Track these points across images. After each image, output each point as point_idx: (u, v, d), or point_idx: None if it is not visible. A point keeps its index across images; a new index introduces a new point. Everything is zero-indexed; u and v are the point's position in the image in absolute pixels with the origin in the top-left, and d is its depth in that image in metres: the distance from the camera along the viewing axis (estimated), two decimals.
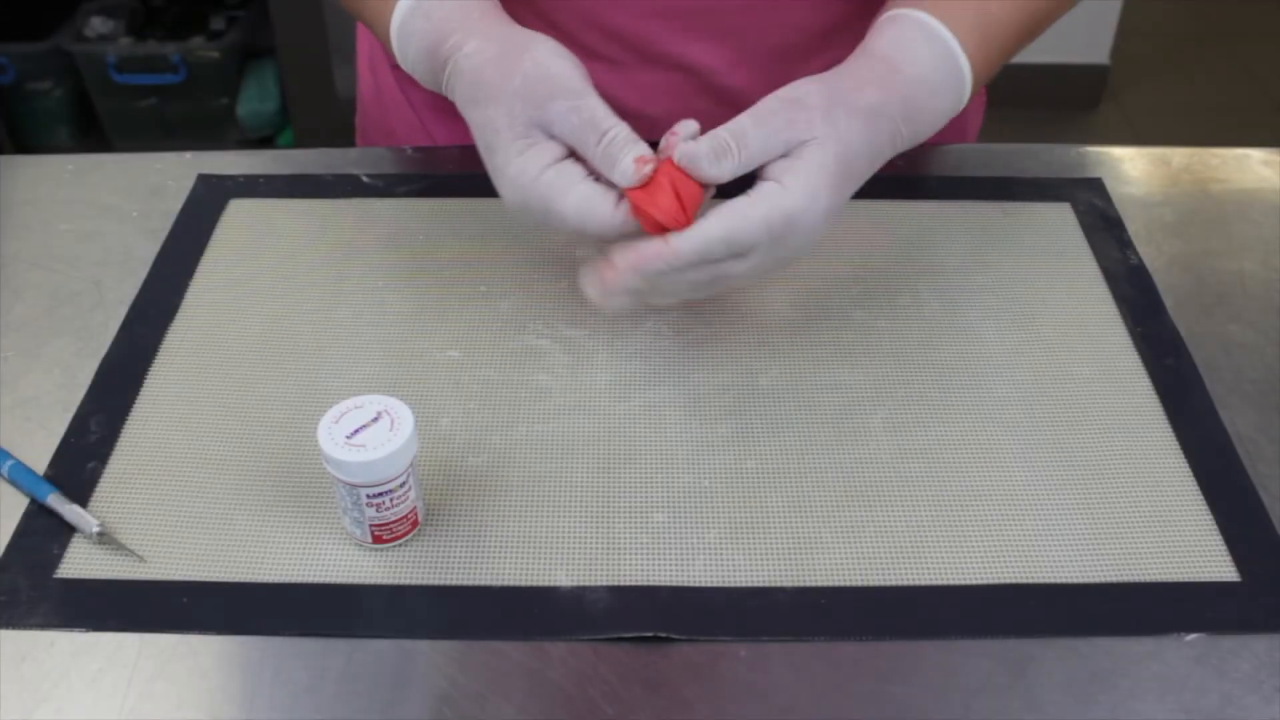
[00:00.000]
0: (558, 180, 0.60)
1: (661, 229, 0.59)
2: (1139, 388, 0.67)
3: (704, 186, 0.60)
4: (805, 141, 0.59)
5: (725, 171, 0.59)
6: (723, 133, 0.59)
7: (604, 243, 0.61)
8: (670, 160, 0.59)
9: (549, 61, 0.61)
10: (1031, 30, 0.70)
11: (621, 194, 0.60)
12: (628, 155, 0.59)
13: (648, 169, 0.59)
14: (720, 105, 0.81)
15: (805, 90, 0.61)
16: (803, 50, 0.79)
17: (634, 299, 0.61)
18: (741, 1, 0.75)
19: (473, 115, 0.62)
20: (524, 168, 0.60)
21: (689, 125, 0.60)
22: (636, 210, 0.59)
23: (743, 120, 0.59)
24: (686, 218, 0.59)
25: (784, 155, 0.59)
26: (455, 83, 0.63)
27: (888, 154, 0.63)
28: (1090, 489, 0.61)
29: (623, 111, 0.81)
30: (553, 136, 0.60)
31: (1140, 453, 0.63)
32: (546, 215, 0.60)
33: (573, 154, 0.61)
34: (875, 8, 0.68)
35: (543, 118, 0.60)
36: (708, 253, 0.58)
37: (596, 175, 0.61)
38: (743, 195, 0.59)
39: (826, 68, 0.63)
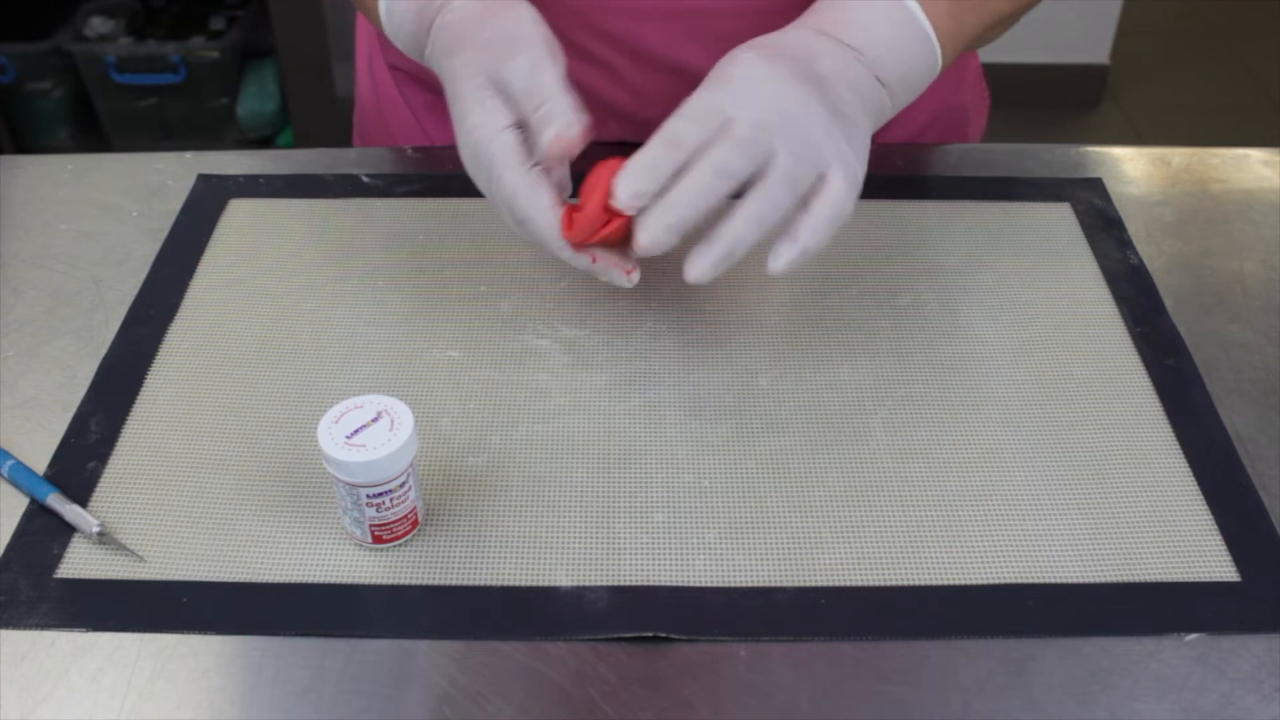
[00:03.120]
0: (515, 152, 0.59)
1: (602, 226, 0.59)
2: (1139, 388, 0.67)
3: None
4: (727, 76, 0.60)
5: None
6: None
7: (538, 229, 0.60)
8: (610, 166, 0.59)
9: (524, 23, 0.61)
10: (1012, 9, 0.70)
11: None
12: (551, 129, 0.58)
13: (560, 149, 0.58)
14: None
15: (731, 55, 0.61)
16: None
17: (673, 228, 0.58)
18: (734, 5, 0.75)
19: (444, 65, 0.63)
20: (484, 120, 0.60)
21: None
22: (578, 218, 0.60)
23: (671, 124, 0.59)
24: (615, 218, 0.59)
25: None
26: (436, 37, 0.64)
27: (835, 55, 0.61)
28: (1090, 489, 0.61)
29: (616, 112, 0.82)
30: (509, 97, 0.60)
31: (1140, 452, 0.63)
32: (489, 179, 0.60)
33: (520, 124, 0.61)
34: None
35: (500, 74, 0.60)
36: (675, 134, 0.57)
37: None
38: (805, 213, 0.59)
39: None
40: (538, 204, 0.59)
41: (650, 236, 0.57)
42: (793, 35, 0.63)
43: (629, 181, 0.57)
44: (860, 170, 0.60)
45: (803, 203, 0.58)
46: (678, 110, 0.59)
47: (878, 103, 0.63)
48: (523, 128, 0.60)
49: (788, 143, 0.57)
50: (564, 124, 0.58)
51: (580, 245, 0.61)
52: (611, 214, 0.59)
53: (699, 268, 0.58)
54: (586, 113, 0.59)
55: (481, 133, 0.60)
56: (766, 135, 0.57)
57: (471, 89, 0.60)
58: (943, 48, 0.65)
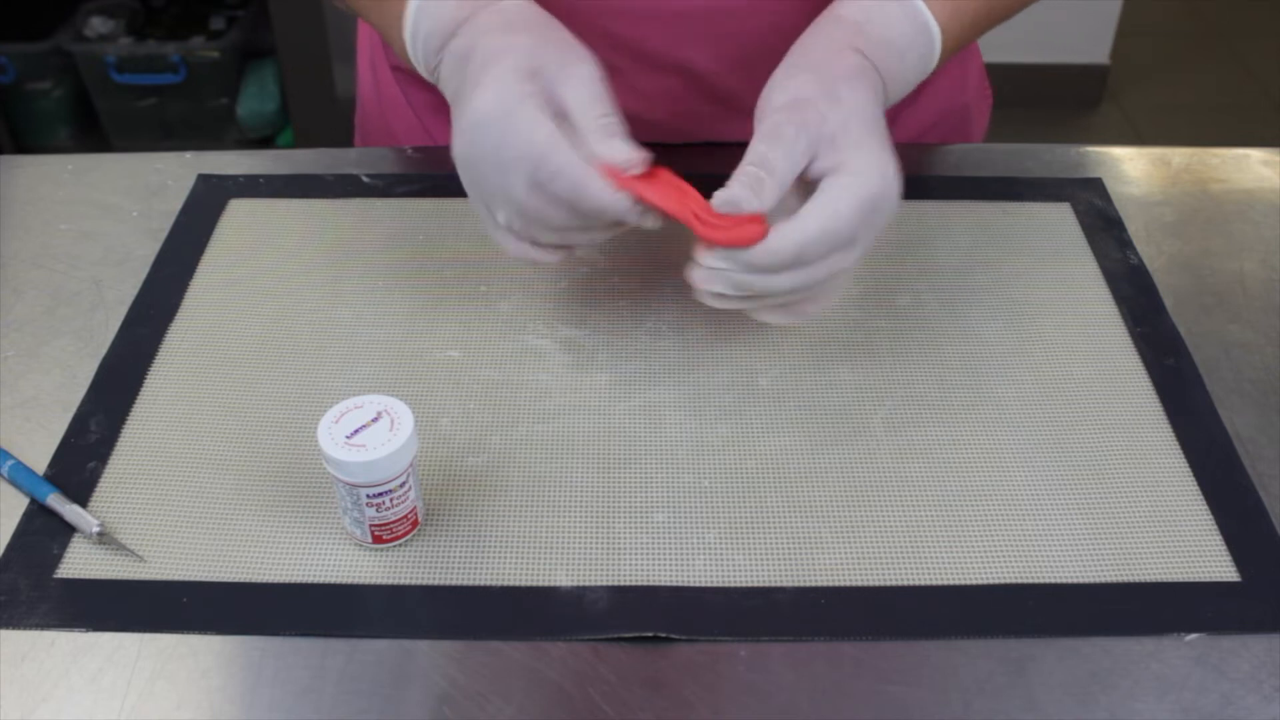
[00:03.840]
0: (541, 111, 0.58)
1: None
2: (1139, 388, 0.67)
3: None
4: (825, 135, 0.58)
5: (768, 199, 0.57)
6: (746, 167, 0.58)
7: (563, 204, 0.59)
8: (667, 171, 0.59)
9: (586, 50, 0.62)
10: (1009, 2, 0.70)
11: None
12: (622, 143, 0.58)
13: (639, 155, 0.58)
14: (719, 108, 0.81)
15: (796, 87, 0.60)
16: None
17: (737, 302, 0.60)
18: (739, 5, 0.75)
19: (493, 40, 0.60)
20: (513, 86, 0.58)
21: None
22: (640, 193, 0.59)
23: (759, 148, 0.58)
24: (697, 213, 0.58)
25: (815, 157, 0.59)
26: (486, 19, 0.62)
27: (881, 110, 0.62)
28: (1090, 489, 0.61)
29: (623, 114, 0.81)
30: (554, 93, 0.59)
31: (1140, 452, 0.63)
32: (502, 138, 0.58)
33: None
34: None
35: (561, 70, 0.59)
36: (806, 251, 0.57)
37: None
38: (819, 193, 0.58)
39: None
40: (602, 189, 0.58)
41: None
42: (864, 59, 0.62)
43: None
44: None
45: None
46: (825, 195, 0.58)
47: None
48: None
49: (864, 246, 0.60)
50: (633, 148, 0.59)
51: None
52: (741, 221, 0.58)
53: (703, 287, 0.59)
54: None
55: (512, 95, 0.58)
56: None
57: (507, 62, 0.59)
58: (939, 57, 0.66)
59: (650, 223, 0.60)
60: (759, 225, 0.57)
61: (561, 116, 0.59)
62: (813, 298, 0.61)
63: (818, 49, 0.62)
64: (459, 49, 0.63)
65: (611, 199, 0.58)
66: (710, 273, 0.59)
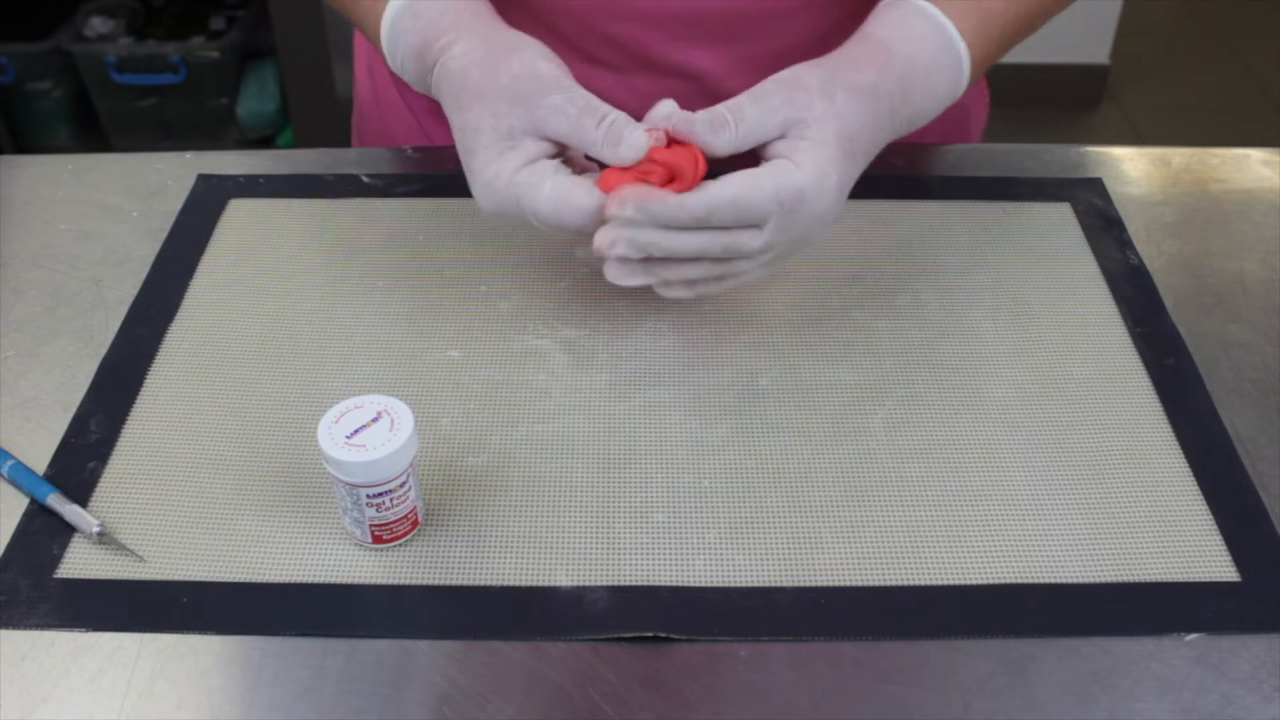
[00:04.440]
0: (530, 177, 0.59)
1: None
2: (1139, 388, 0.67)
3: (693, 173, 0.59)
4: (804, 120, 0.59)
5: (722, 143, 0.59)
6: (720, 108, 0.59)
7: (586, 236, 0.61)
8: (658, 147, 0.60)
9: (537, 63, 0.61)
10: (1033, 18, 0.70)
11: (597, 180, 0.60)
12: (635, 130, 0.59)
13: (658, 134, 0.59)
14: None
15: (801, 71, 0.61)
16: (802, 56, 0.78)
17: (643, 271, 0.60)
18: (740, 8, 0.75)
19: (455, 118, 0.62)
20: (499, 171, 0.60)
21: (666, 103, 0.61)
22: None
23: (740, 98, 0.60)
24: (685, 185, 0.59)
25: (783, 136, 0.59)
26: (442, 84, 0.63)
27: (887, 135, 0.63)
28: (1090, 489, 0.61)
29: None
30: (543, 137, 0.60)
31: (1140, 452, 0.63)
32: (521, 213, 0.60)
33: (559, 154, 0.61)
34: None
35: (532, 116, 0.60)
36: (715, 211, 0.58)
37: (573, 170, 0.61)
38: (754, 168, 0.59)
39: None
40: (580, 202, 0.59)
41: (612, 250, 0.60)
42: (882, 80, 0.62)
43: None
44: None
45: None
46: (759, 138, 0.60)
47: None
48: (545, 158, 0.61)
49: (788, 245, 0.61)
50: (642, 127, 0.59)
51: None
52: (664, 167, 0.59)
53: (606, 252, 0.60)
54: None
55: (499, 181, 0.60)
56: (780, 242, 0.60)
57: (493, 139, 0.60)
58: (969, 80, 0.66)
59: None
60: (688, 172, 0.58)
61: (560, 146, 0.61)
62: (715, 277, 0.61)
63: (839, 56, 0.63)
64: (439, 101, 0.65)
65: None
66: (612, 232, 0.59)
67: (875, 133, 0.62)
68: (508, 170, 0.60)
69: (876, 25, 0.65)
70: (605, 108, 0.60)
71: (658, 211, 0.58)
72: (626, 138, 0.59)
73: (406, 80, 0.68)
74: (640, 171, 0.59)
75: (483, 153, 0.60)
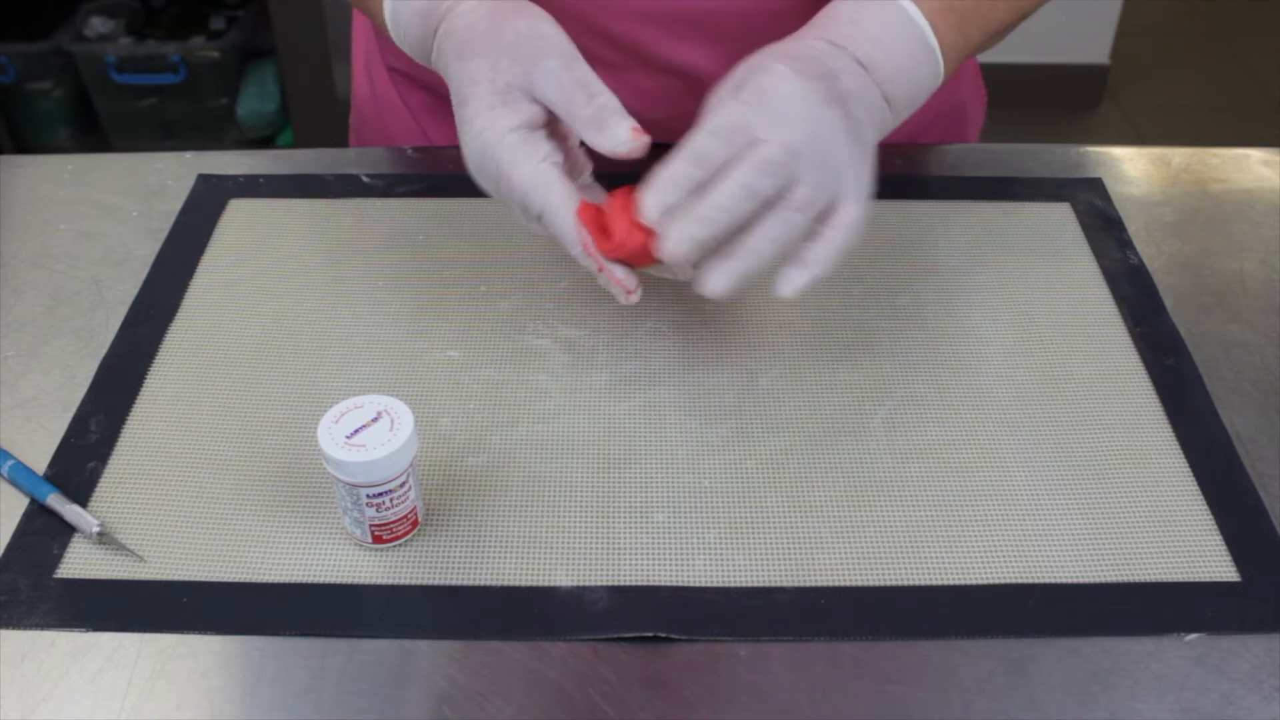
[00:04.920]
0: (521, 147, 0.59)
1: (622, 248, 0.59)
2: (1139, 388, 0.67)
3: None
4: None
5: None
6: (686, 167, 0.58)
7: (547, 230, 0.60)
8: (624, 191, 0.59)
9: (542, 24, 0.61)
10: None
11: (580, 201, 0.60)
12: (622, 124, 0.58)
13: (644, 140, 0.58)
14: None
15: (720, 105, 0.60)
16: None
17: (697, 241, 0.58)
18: (736, 6, 0.75)
19: (454, 69, 0.62)
20: (491, 123, 0.59)
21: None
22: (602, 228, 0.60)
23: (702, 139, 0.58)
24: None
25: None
26: (445, 42, 0.63)
27: (854, 74, 0.60)
28: (1090, 489, 0.61)
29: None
30: (534, 100, 0.60)
31: (1140, 453, 0.63)
32: (498, 180, 0.60)
33: (548, 125, 0.61)
34: None
35: (529, 76, 0.59)
36: (703, 150, 0.57)
37: (564, 154, 0.61)
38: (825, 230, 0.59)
39: None
40: (553, 197, 0.59)
41: (674, 247, 0.57)
42: (812, 47, 0.61)
43: (656, 196, 0.58)
44: (870, 195, 0.60)
45: (816, 226, 0.58)
46: (705, 122, 0.59)
47: (884, 122, 0.62)
48: (542, 128, 0.60)
49: (813, 170, 0.57)
50: (631, 122, 0.58)
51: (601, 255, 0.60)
52: (636, 230, 0.58)
53: (718, 284, 0.58)
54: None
55: (489, 134, 0.59)
56: (794, 160, 0.57)
57: (485, 93, 0.60)
58: (945, 63, 0.65)
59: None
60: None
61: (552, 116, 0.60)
62: (785, 237, 0.59)
63: (806, 48, 0.62)
64: (439, 65, 0.64)
65: (579, 254, 0.60)
66: (674, 242, 0.57)
67: (845, 75, 0.60)
68: (499, 126, 0.59)
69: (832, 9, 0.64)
70: (600, 87, 0.59)
71: (668, 181, 0.57)
72: (610, 127, 0.58)
73: (406, 49, 0.67)
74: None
75: (474, 103, 0.60)
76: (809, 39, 0.62)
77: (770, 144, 0.57)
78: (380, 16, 0.68)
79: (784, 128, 0.57)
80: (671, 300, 0.72)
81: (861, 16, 0.62)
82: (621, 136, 0.58)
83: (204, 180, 0.82)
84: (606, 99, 0.59)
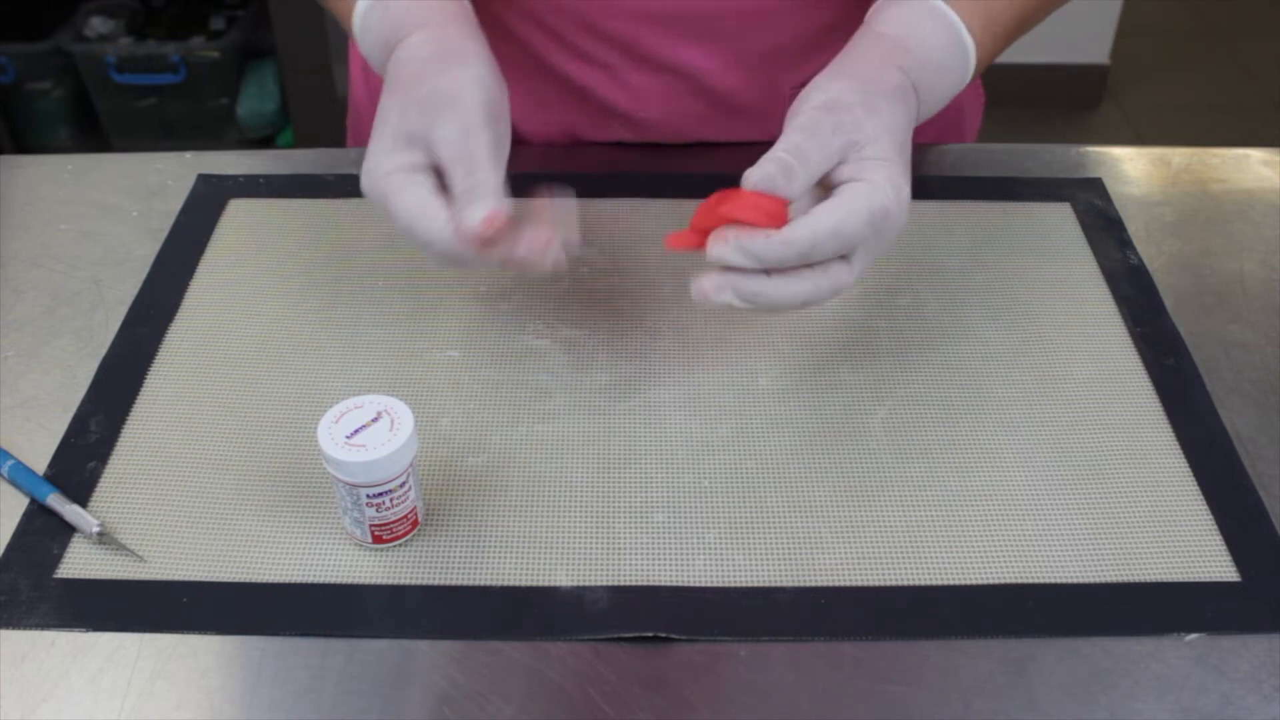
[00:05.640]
0: (403, 183, 0.59)
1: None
2: (1139, 388, 0.67)
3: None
4: (858, 142, 0.58)
5: (797, 188, 0.57)
6: (781, 154, 0.57)
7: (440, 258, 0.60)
8: (722, 201, 0.57)
9: (468, 85, 0.60)
10: (1036, 13, 0.70)
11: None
12: (482, 207, 0.57)
13: (491, 231, 0.57)
14: (712, 107, 0.81)
15: (838, 91, 0.60)
16: (794, 53, 0.79)
17: (741, 302, 0.58)
18: (732, 5, 0.75)
19: (381, 98, 0.62)
20: (380, 163, 0.60)
21: (750, 173, 0.58)
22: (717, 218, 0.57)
23: (793, 137, 0.58)
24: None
25: (843, 161, 0.58)
26: (392, 68, 0.63)
27: (911, 132, 0.62)
28: (1090, 489, 0.61)
29: (615, 113, 0.82)
30: (431, 154, 0.59)
31: (1140, 453, 0.63)
32: (385, 210, 0.60)
33: (440, 180, 0.60)
34: (865, 11, 0.68)
35: (427, 133, 0.59)
36: (818, 244, 0.56)
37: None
38: (834, 196, 0.58)
39: (818, 70, 0.62)
40: (433, 220, 0.58)
41: (719, 281, 0.57)
42: (905, 80, 0.62)
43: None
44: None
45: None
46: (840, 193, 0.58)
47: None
48: (431, 171, 0.60)
49: (863, 263, 0.59)
50: (495, 205, 0.57)
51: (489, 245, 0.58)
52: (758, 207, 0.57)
53: (717, 295, 0.57)
54: (508, 197, 0.58)
55: (377, 172, 0.59)
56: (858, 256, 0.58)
57: (390, 132, 0.60)
58: (974, 69, 0.66)
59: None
60: (779, 211, 0.56)
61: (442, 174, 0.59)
62: (795, 307, 0.59)
63: (862, 61, 0.62)
64: (386, 76, 0.64)
65: (474, 258, 0.59)
66: (718, 279, 0.57)
67: (910, 132, 0.62)
68: (388, 165, 0.59)
69: (887, 23, 0.64)
70: (485, 166, 0.58)
71: (760, 250, 0.56)
72: (476, 202, 0.57)
73: (376, 70, 0.67)
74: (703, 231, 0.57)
75: (378, 141, 0.60)
76: (883, 67, 0.61)
77: (854, 262, 0.58)
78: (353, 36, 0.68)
79: (874, 246, 0.58)
80: (671, 300, 0.72)
81: (930, 50, 0.63)
82: (471, 219, 0.57)
83: (204, 180, 0.82)
84: (484, 176, 0.58)
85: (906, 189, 0.59)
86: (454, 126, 0.58)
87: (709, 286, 0.57)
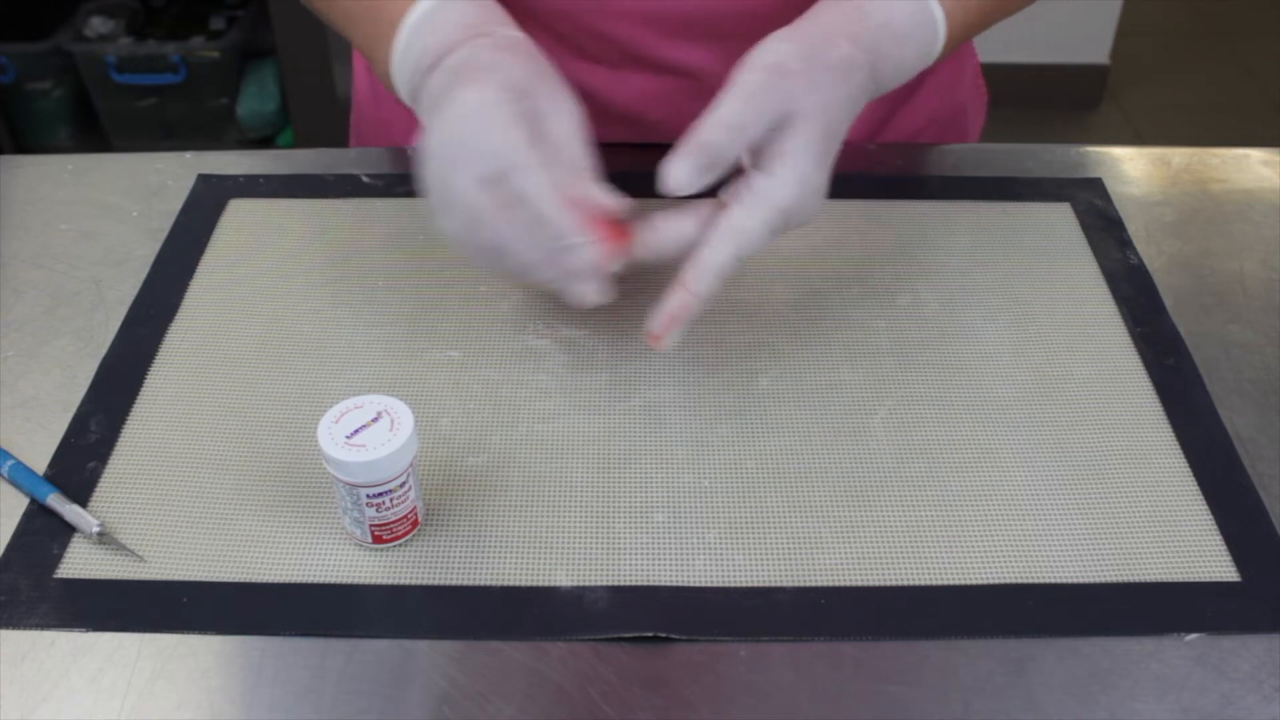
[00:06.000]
0: (517, 119, 0.58)
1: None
2: (1139, 388, 0.67)
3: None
4: (791, 114, 0.59)
5: (715, 176, 0.59)
6: (714, 136, 0.58)
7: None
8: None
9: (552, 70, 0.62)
10: None
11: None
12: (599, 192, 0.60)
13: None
14: None
15: (785, 54, 0.60)
16: None
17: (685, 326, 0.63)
18: (733, 7, 0.75)
19: (481, 55, 0.60)
20: (498, 91, 0.58)
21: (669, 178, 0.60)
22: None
23: (735, 104, 0.58)
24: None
25: (772, 127, 0.59)
26: (480, 40, 0.61)
27: (860, 105, 0.62)
28: (1090, 489, 0.61)
29: (616, 114, 0.82)
30: (537, 119, 0.59)
31: (1140, 453, 0.63)
32: (477, 134, 0.58)
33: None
34: None
35: (546, 101, 0.60)
36: (723, 275, 0.60)
37: None
38: (736, 204, 0.59)
39: None
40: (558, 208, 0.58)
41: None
42: (856, 52, 0.62)
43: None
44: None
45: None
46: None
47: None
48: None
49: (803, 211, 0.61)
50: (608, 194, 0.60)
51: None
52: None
53: (669, 344, 0.62)
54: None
55: (510, 134, 0.57)
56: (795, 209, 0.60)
57: (495, 82, 0.58)
58: (945, 42, 0.65)
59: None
60: (621, 229, 0.61)
61: (540, 141, 0.59)
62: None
63: (816, 25, 0.62)
64: (455, 63, 0.61)
65: (565, 218, 0.58)
66: (663, 328, 0.62)
67: (851, 109, 0.62)
68: (509, 112, 0.59)
69: None
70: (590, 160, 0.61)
71: (685, 305, 0.61)
72: (593, 185, 0.61)
73: (398, 83, 0.66)
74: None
75: (480, 86, 0.59)
76: (857, 42, 0.62)
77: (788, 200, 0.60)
78: (382, 27, 0.67)
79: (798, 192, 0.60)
80: None
81: (891, 17, 0.64)
82: (595, 192, 0.60)
83: (204, 180, 0.82)
84: (597, 165, 0.61)
85: (815, 179, 0.60)
86: (576, 107, 0.61)
87: (666, 344, 0.62)
